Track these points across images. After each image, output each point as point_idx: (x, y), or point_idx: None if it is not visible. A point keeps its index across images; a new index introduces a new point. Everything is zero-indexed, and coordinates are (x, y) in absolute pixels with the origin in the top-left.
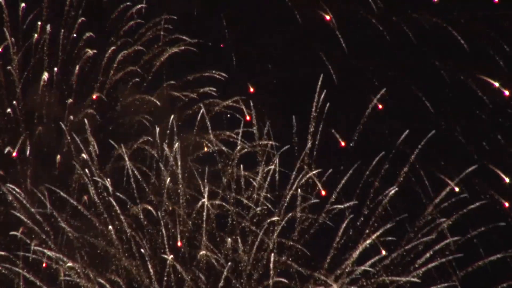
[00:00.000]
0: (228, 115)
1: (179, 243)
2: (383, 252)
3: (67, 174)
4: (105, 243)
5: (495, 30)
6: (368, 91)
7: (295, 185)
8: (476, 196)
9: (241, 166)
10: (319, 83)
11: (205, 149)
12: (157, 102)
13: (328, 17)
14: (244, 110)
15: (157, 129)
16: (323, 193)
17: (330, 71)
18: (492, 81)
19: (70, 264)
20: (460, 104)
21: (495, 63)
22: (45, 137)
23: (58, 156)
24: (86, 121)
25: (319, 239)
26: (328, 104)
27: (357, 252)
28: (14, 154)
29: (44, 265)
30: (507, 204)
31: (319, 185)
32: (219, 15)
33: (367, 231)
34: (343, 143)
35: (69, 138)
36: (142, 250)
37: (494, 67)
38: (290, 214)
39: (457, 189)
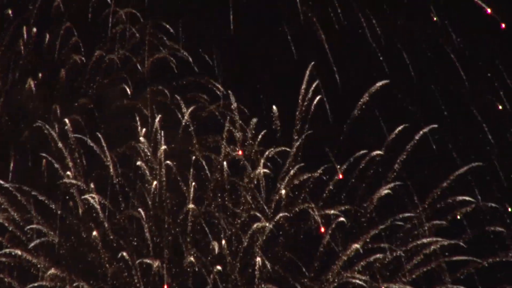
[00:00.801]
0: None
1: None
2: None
3: (53, 180)
4: (89, 249)
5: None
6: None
7: (281, 190)
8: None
9: (225, 170)
10: (307, 72)
11: (192, 156)
12: (143, 107)
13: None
14: (238, 146)
15: (142, 132)
16: (322, 229)
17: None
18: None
19: (53, 270)
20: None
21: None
22: (30, 143)
23: (44, 161)
24: (69, 126)
25: (307, 244)
26: (318, 97)
27: (344, 257)
28: None
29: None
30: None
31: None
32: (211, 20)
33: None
34: (341, 175)
35: (52, 144)
36: (125, 255)
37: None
38: (277, 218)
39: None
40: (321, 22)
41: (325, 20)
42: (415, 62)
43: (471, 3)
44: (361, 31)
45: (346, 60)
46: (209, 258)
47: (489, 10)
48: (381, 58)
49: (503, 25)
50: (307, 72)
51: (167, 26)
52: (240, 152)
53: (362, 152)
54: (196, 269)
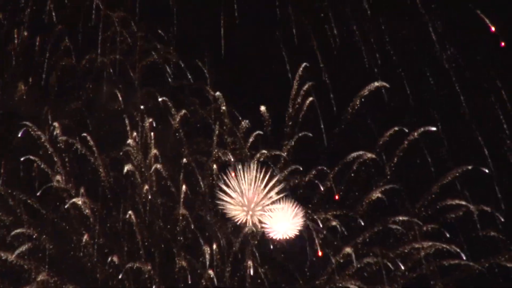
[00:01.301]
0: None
1: None
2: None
3: (44, 183)
4: (80, 253)
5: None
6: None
7: (273, 192)
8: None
9: (214, 173)
10: (298, 74)
11: (184, 160)
12: (134, 111)
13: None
14: (228, 149)
15: (133, 135)
16: (320, 253)
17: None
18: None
19: (44, 274)
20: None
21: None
22: (21, 147)
23: (35, 165)
24: (59, 130)
25: (299, 249)
26: (310, 99)
27: (335, 262)
28: None
29: None
30: None
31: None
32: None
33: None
34: (337, 196)
35: (42, 149)
36: (115, 259)
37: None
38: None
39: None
40: (315, 26)
41: (319, 25)
42: (410, 65)
43: (469, 16)
44: (355, 35)
45: (341, 62)
46: (200, 262)
47: (493, 29)
48: (365, 59)
49: (503, 43)
50: (298, 74)
51: (159, 30)
52: (233, 174)
53: (355, 153)
54: (188, 276)
